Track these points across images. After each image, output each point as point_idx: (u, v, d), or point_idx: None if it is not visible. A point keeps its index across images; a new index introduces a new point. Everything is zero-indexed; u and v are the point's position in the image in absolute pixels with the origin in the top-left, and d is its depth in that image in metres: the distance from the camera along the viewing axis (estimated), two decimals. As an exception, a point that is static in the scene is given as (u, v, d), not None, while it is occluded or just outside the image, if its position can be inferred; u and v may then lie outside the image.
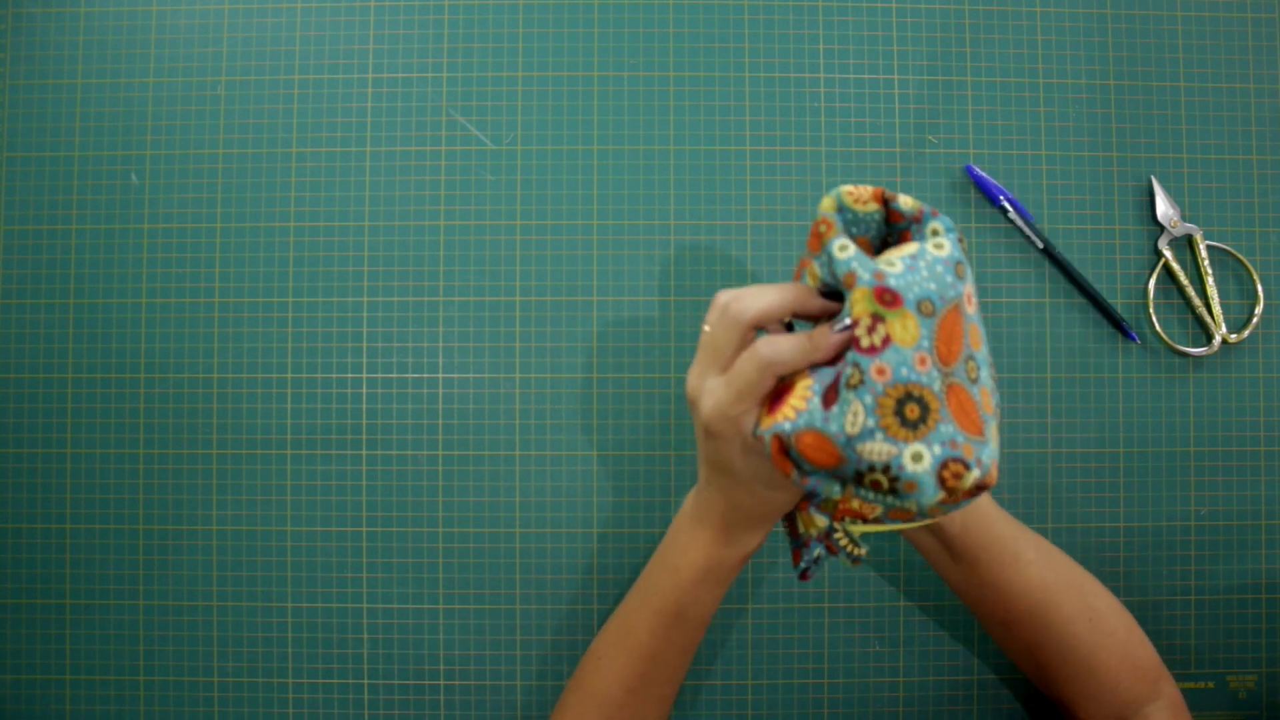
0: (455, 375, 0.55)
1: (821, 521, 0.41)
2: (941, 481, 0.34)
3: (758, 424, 0.37)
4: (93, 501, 0.55)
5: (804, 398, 0.35)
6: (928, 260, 0.35)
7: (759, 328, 0.38)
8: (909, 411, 0.34)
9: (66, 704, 0.54)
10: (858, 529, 0.40)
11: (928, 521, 0.41)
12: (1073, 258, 0.55)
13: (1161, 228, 0.55)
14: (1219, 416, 0.55)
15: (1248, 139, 0.56)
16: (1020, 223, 0.55)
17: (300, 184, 0.55)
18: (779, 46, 0.56)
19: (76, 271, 0.55)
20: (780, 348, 0.36)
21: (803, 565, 0.42)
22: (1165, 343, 0.55)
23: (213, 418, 0.55)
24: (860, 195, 0.39)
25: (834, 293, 0.38)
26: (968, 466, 0.34)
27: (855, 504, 0.39)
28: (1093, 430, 0.55)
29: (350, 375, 0.55)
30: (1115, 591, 0.48)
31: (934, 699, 0.55)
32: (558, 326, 0.55)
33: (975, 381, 0.36)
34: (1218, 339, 0.55)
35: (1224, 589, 0.55)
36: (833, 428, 0.34)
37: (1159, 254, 0.55)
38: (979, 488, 0.35)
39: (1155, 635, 0.48)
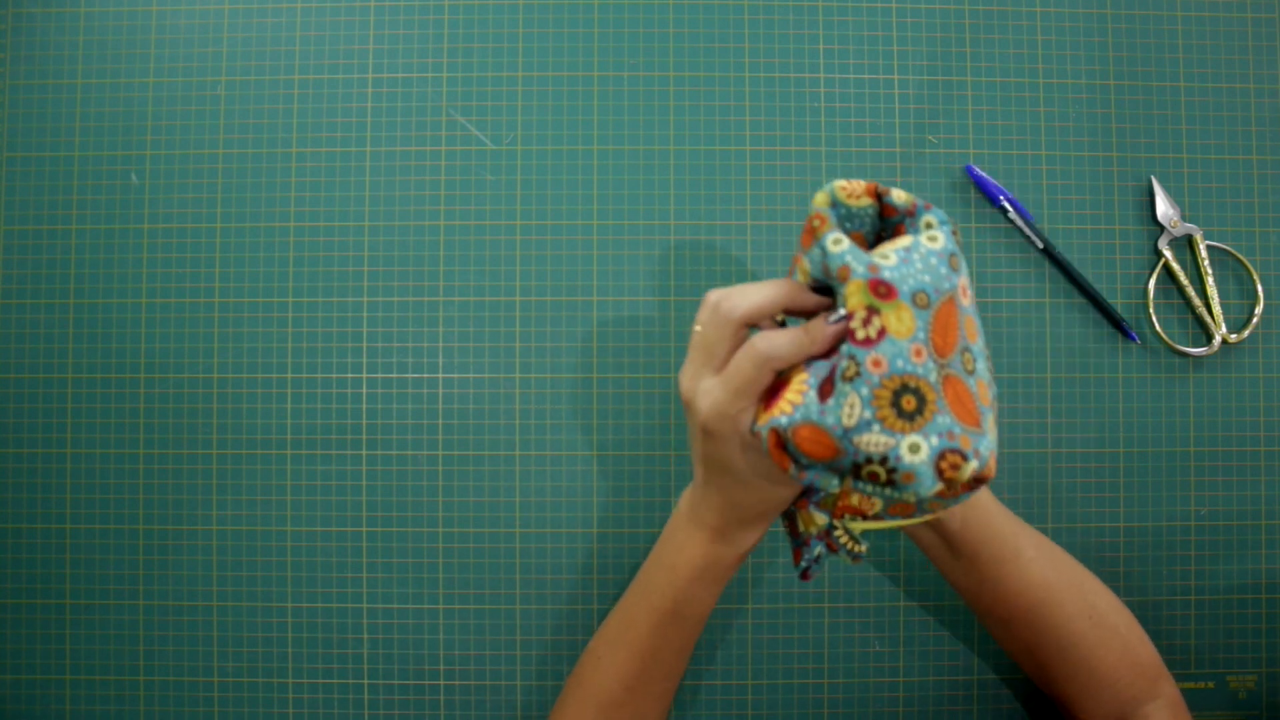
0: (455, 375, 0.55)
1: (821, 519, 0.41)
2: (939, 473, 0.34)
3: (755, 420, 0.37)
4: (93, 501, 0.55)
5: (800, 391, 0.35)
6: (922, 252, 0.35)
7: (751, 325, 0.38)
8: (905, 403, 0.34)
9: (66, 704, 0.54)
10: (858, 526, 0.40)
11: (928, 517, 0.41)
12: (1073, 258, 0.55)
13: (1161, 228, 0.55)
14: (1219, 416, 0.55)
15: (1248, 139, 0.56)
16: (1020, 223, 0.55)
17: (300, 184, 0.55)
18: (779, 46, 0.56)
19: (76, 271, 0.55)
20: (776, 342, 0.36)
21: (803, 564, 0.42)
22: (1165, 343, 0.55)
23: (213, 418, 0.55)
24: (853, 190, 0.39)
25: (824, 288, 0.38)
26: (965, 458, 0.34)
27: (854, 500, 0.39)
28: (1093, 430, 0.55)
29: (350, 375, 0.55)
30: (1115, 591, 0.48)
31: (934, 699, 0.55)
32: (558, 326, 0.55)
33: (972, 373, 0.36)
34: (1218, 339, 0.55)
35: (1224, 589, 0.55)
36: (829, 420, 0.34)
37: (1159, 254, 0.55)
38: (977, 480, 0.35)
39: (1155, 635, 0.48)
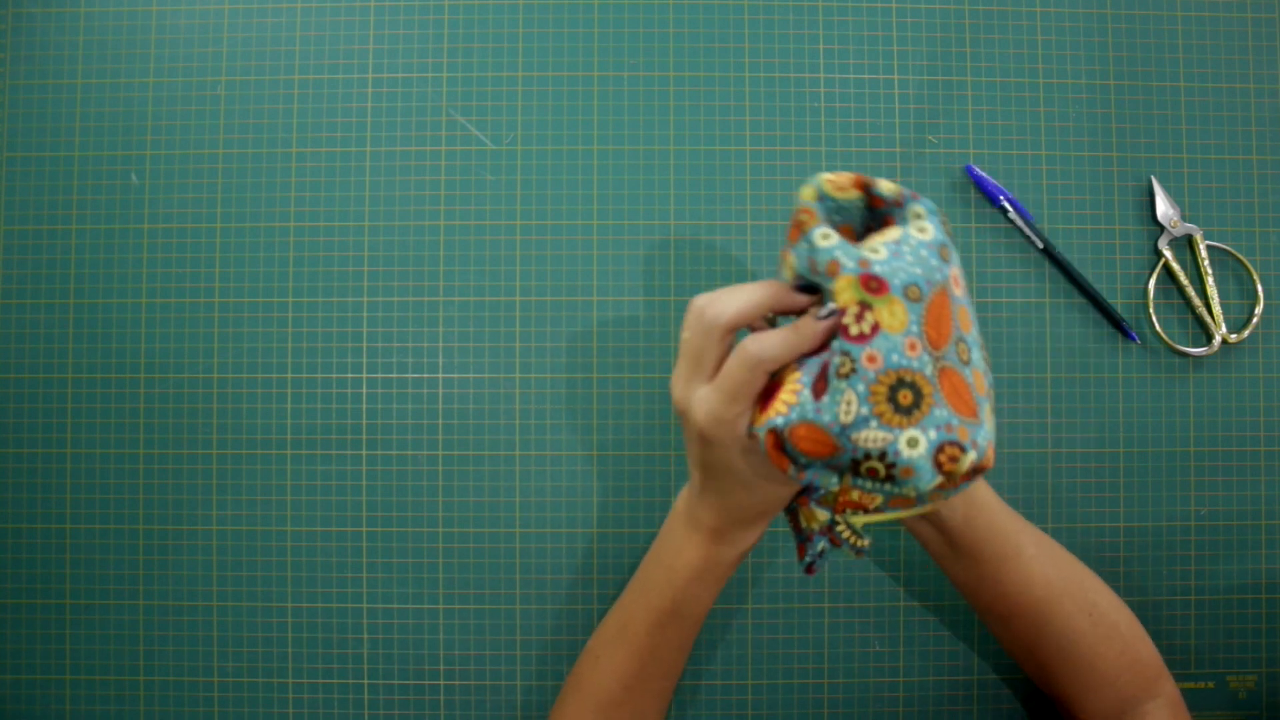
0: (455, 375, 0.55)
1: (823, 515, 0.41)
2: (938, 466, 0.34)
3: (751, 423, 0.37)
4: (93, 501, 0.55)
5: (794, 391, 0.35)
6: (911, 245, 0.35)
7: (739, 329, 0.38)
8: (902, 398, 0.34)
9: (66, 704, 0.54)
10: (859, 520, 0.40)
11: (929, 508, 0.41)
12: (1073, 258, 0.55)
13: (1161, 228, 0.55)
14: (1219, 416, 0.55)
15: (1248, 139, 0.56)
16: (1020, 223, 0.55)
17: (300, 184, 0.55)
18: (779, 46, 0.56)
19: (76, 271, 0.55)
20: (767, 343, 0.36)
21: (808, 559, 0.42)
22: (1165, 343, 0.55)
23: (213, 418, 0.55)
24: (840, 182, 0.38)
25: (809, 286, 0.37)
26: (963, 449, 0.34)
27: (855, 495, 0.39)
28: (1093, 430, 0.55)
29: (350, 375, 0.55)
30: (1115, 591, 0.48)
31: (934, 699, 0.55)
32: (558, 326, 0.55)
33: (967, 364, 0.36)
34: (1218, 339, 0.55)
35: (1224, 589, 0.55)
36: (825, 418, 0.34)
37: (1159, 254, 0.55)
38: (976, 470, 0.35)
39: (1155, 635, 0.48)
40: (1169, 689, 0.47)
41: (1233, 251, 0.55)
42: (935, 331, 0.34)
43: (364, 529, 0.54)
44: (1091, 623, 0.46)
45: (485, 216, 0.55)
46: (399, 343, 0.55)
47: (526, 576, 0.55)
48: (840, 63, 0.56)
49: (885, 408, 0.33)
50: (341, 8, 0.56)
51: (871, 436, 0.33)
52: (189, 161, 0.55)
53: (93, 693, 0.54)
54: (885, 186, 0.38)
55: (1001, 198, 0.55)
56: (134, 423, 0.55)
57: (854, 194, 0.38)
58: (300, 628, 0.54)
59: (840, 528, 0.41)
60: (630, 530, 0.55)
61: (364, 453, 0.55)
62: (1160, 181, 0.55)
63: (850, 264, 0.34)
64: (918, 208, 0.37)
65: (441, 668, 0.54)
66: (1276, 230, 0.56)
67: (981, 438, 0.35)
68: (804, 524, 0.42)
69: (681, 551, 0.44)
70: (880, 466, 0.34)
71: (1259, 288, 0.55)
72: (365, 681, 0.54)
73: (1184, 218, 0.56)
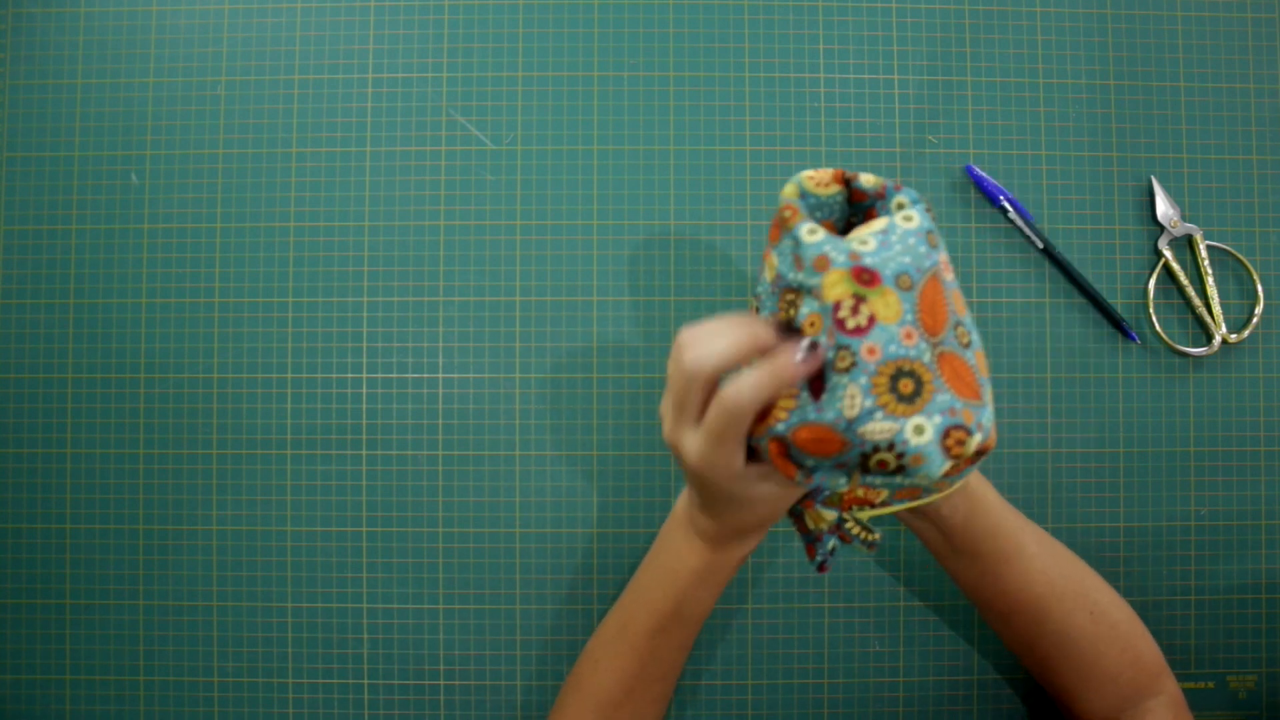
0: (455, 375, 0.55)
1: (830, 515, 0.41)
2: (946, 450, 0.34)
3: (751, 433, 0.37)
4: (93, 501, 0.55)
5: (791, 395, 0.35)
6: (899, 234, 0.35)
7: (721, 377, 0.36)
8: (903, 387, 0.33)
9: (66, 704, 0.54)
10: (865, 514, 0.40)
11: (935, 497, 0.41)
12: (1073, 258, 0.55)
13: (1161, 228, 0.55)
14: (1219, 416, 0.55)
15: (1248, 139, 0.56)
16: (1020, 223, 0.55)
17: (300, 184, 0.55)
18: (779, 46, 0.56)
19: (76, 271, 0.55)
20: (745, 392, 0.34)
21: (819, 559, 0.42)
22: (1165, 343, 0.55)
23: (213, 418, 0.55)
24: (821, 178, 0.38)
25: (789, 326, 0.37)
26: (969, 432, 0.34)
27: (860, 492, 0.39)
28: (1093, 430, 0.55)
29: (350, 375, 0.55)
30: (1116, 591, 0.48)
31: (934, 698, 0.55)
32: (558, 326, 0.55)
33: (967, 346, 0.36)
34: (1218, 339, 0.55)
35: (1224, 589, 0.55)
36: (829, 415, 0.34)
37: (1159, 254, 0.55)
38: (980, 452, 0.35)
39: (1155, 635, 0.48)
40: (1170, 687, 0.47)
41: (1233, 251, 0.55)
42: (930, 318, 0.34)
43: (364, 529, 0.54)
44: (1092, 620, 0.46)
45: (485, 216, 0.55)
46: (399, 343, 0.55)
47: (526, 576, 0.55)
48: (840, 63, 0.56)
49: (889, 398, 0.33)
50: (341, 8, 0.56)
51: (878, 428, 0.33)
52: (189, 161, 0.55)
53: (93, 693, 0.54)
54: (866, 179, 0.38)
55: (1001, 198, 0.55)
56: (134, 423, 0.55)
57: (835, 189, 0.38)
58: (300, 628, 0.54)
59: (849, 524, 0.41)
60: (630, 530, 0.55)
61: (364, 453, 0.55)
62: (1160, 181, 0.55)
63: (840, 257, 0.34)
64: (901, 198, 0.37)
65: (441, 668, 0.54)
66: (1276, 230, 0.56)
67: (986, 419, 0.35)
68: (811, 525, 0.42)
69: (682, 554, 0.44)
70: (890, 458, 0.34)
71: (1259, 288, 0.55)
72: (365, 681, 0.54)
73: (1184, 218, 0.56)
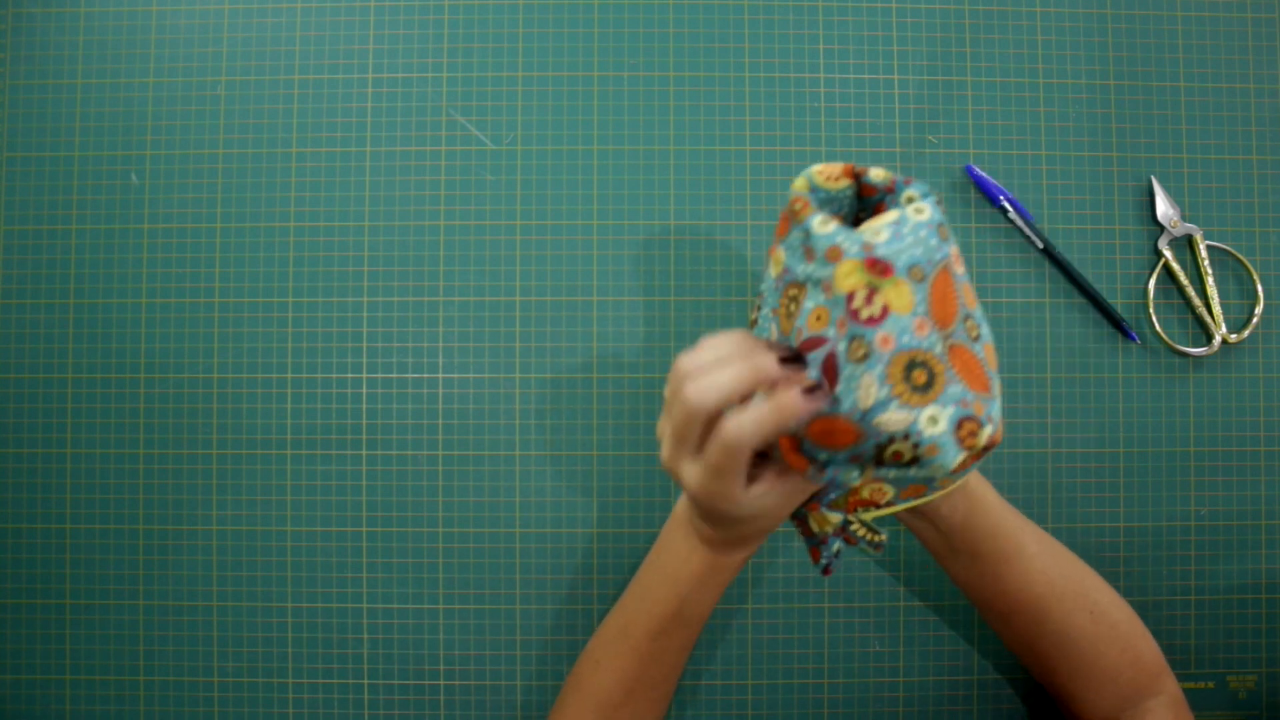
0: (455, 375, 0.55)
1: (835, 518, 0.41)
2: (959, 441, 0.34)
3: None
4: (93, 501, 0.55)
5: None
6: (910, 226, 0.35)
7: (721, 411, 0.35)
8: (916, 377, 0.33)
9: (66, 704, 0.54)
10: (870, 515, 0.40)
11: (937, 494, 0.41)
12: (1073, 258, 0.55)
13: (1161, 228, 0.55)
14: (1219, 416, 0.55)
15: (1248, 139, 0.56)
16: (1020, 223, 0.55)
17: (300, 184, 0.55)
18: (779, 46, 0.56)
19: (76, 271, 0.55)
20: (746, 429, 0.34)
21: (824, 561, 0.42)
22: (1165, 343, 0.55)
23: (213, 418, 0.55)
24: (831, 173, 0.38)
25: (792, 357, 0.36)
26: (980, 424, 0.34)
27: (865, 493, 0.39)
28: (1093, 430, 0.55)
29: (350, 375, 0.55)
30: (1116, 590, 0.48)
31: (934, 698, 0.55)
32: (558, 326, 0.55)
33: (977, 339, 0.36)
34: (1218, 339, 0.55)
35: (1224, 589, 0.55)
36: (843, 406, 0.34)
37: (1159, 254, 0.55)
38: (987, 446, 0.35)
39: (1155, 635, 0.48)
40: (1170, 687, 0.47)
41: (1233, 251, 0.55)
42: (941, 310, 0.34)
43: (364, 529, 0.54)
44: (1092, 620, 0.46)
45: (485, 216, 0.55)
46: (399, 343, 0.55)
47: (526, 576, 0.55)
48: (840, 63, 0.56)
49: (903, 388, 0.33)
50: (341, 8, 0.56)
51: (893, 418, 0.33)
52: (189, 161, 0.55)
53: (93, 693, 0.54)
54: (876, 173, 0.38)
55: (1001, 198, 0.55)
56: (134, 423, 0.55)
57: (845, 183, 0.38)
58: (300, 628, 0.54)
59: (855, 526, 0.41)
60: (630, 530, 0.55)
61: (364, 453, 0.55)
62: (1160, 181, 0.55)
63: (854, 248, 0.34)
64: (910, 192, 0.37)
65: (441, 668, 0.54)
66: (1276, 230, 0.56)
67: (995, 412, 0.35)
68: (815, 528, 0.42)
69: (683, 557, 0.44)
70: (905, 448, 0.34)
71: (1259, 288, 0.55)
72: (365, 681, 0.54)
73: (1184, 218, 0.56)
